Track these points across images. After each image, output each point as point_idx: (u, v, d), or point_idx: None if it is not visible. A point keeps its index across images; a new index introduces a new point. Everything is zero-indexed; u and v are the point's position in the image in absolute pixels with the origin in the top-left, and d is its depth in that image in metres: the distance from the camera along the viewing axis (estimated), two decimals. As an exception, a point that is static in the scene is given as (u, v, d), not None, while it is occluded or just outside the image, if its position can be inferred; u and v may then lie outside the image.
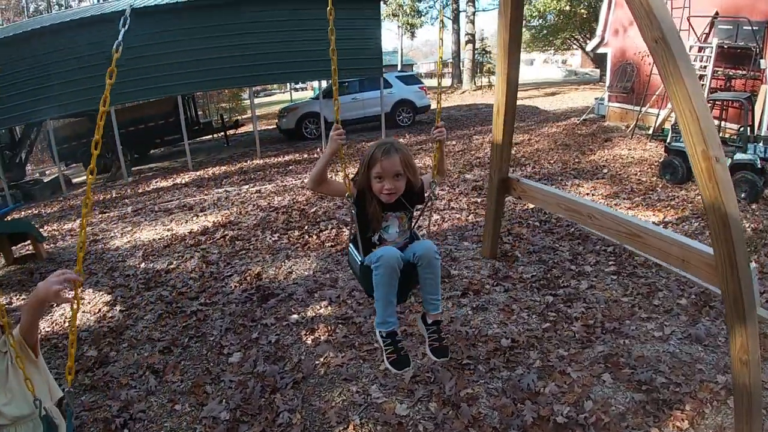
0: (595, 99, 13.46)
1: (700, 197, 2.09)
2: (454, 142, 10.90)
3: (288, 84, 29.86)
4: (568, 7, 22.34)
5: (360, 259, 1.99)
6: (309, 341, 3.37)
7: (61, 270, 1.45)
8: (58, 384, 1.68)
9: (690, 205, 5.59)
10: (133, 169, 11.90)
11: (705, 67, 8.27)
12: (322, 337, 3.39)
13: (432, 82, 22.79)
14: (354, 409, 2.65)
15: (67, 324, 3.93)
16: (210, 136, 16.06)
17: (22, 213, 8.82)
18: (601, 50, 12.57)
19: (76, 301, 1.47)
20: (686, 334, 3.09)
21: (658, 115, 9.28)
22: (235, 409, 2.74)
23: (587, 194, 6.29)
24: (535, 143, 10.02)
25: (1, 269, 5.58)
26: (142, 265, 5.16)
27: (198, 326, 3.71)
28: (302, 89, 34.25)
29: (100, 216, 7.61)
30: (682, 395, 2.54)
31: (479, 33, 29.27)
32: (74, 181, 12.13)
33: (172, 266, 4.99)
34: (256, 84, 14.23)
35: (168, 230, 6.30)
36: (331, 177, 2.19)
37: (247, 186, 8.53)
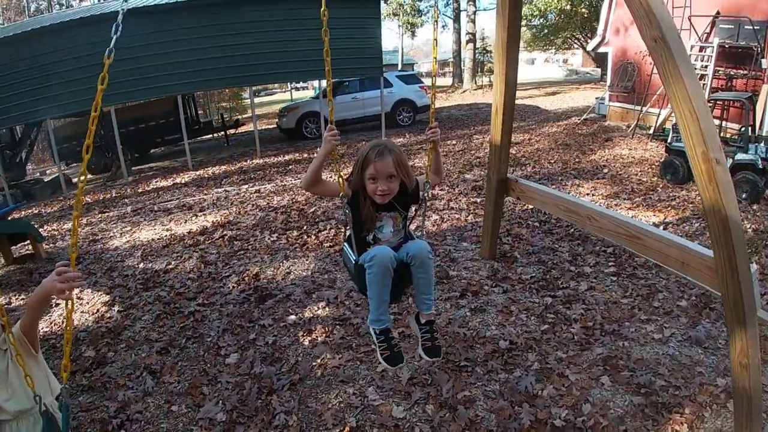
0: (596, 98, 13.43)
1: (700, 198, 2.07)
2: (454, 142, 10.88)
3: (288, 83, 29.84)
4: (569, 7, 22.31)
5: (354, 258, 2.02)
6: (306, 342, 3.35)
7: (63, 266, 1.44)
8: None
9: (691, 205, 5.56)
10: (133, 168, 11.90)
11: (706, 66, 8.24)
12: (319, 339, 3.37)
13: (433, 82, 22.73)
14: (350, 411, 2.64)
15: (64, 325, 3.92)
16: (210, 136, 16.06)
17: (23, 213, 8.82)
18: (602, 49, 12.54)
19: (71, 299, 1.49)
20: (686, 337, 3.07)
21: (659, 114, 9.26)
22: (231, 410, 2.72)
23: (587, 194, 6.26)
24: (536, 143, 9.99)
25: (0, 269, 5.58)
26: (141, 265, 5.15)
27: (195, 327, 3.70)
28: (303, 88, 34.23)
29: (99, 216, 7.61)
30: (682, 398, 2.52)
31: (480, 32, 29.30)
32: (74, 180, 12.09)
33: (170, 266, 4.98)
34: (257, 83, 14.22)
35: (167, 230, 6.29)
36: (328, 177, 2.18)
37: (246, 186, 8.52)
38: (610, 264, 4.16)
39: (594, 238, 4.68)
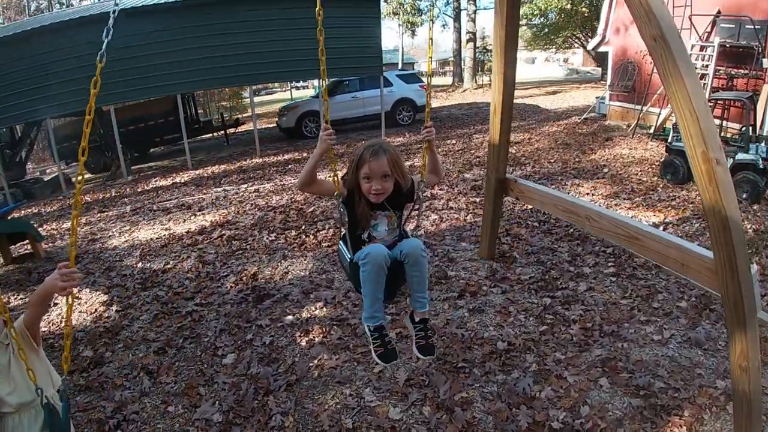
0: (596, 98, 13.40)
1: (700, 198, 2.05)
2: (453, 141, 10.86)
3: (288, 82, 29.81)
4: (569, 6, 22.26)
5: (349, 256, 2.04)
6: (303, 343, 3.34)
7: (65, 265, 1.49)
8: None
9: (691, 205, 5.54)
10: (132, 167, 11.89)
11: (707, 66, 8.21)
12: (316, 339, 3.36)
13: (433, 81, 22.75)
14: (347, 413, 2.63)
15: (63, 324, 3.92)
16: (210, 135, 16.04)
17: (22, 212, 8.81)
18: (602, 49, 12.51)
19: (71, 296, 1.55)
20: (686, 338, 3.05)
21: (659, 114, 9.23)
22: (228, 411, 2.71)
23: (587, 194, 6.24)
24: (536, 142, 9.97)
25: (-2, 268, 5.58)
26: (139, 264, 5.14)
27: (193, 327, 3.69)
28: (303, 88, 34.20)
29: (98, 215, 7.60)
30: (681, 401, 2.50)
31: (480, 31, 29.26)
32: (74, 179, 12.12)
33: (168, 266, 4.96)
34: (256, 82, 14.21)
35: (166, 230, 6.28)
36: (324, 177, 2.18)
37: (245, 185, 8.50)
38: (609, 264, 4.14)
39: (593, 238, 4.66)
